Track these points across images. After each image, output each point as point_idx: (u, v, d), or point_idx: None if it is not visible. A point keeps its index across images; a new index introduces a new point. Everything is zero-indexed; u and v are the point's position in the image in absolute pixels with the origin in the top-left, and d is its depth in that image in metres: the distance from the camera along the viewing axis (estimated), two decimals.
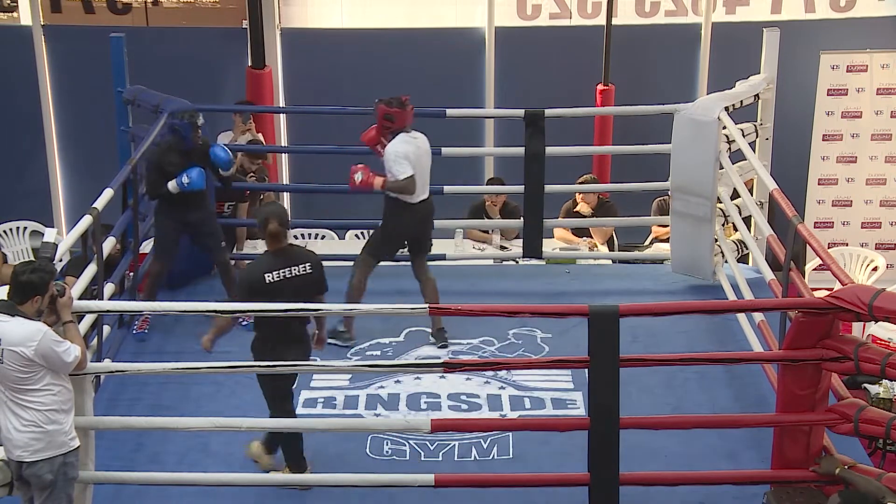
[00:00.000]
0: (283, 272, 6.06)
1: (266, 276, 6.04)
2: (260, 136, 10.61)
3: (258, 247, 9.34)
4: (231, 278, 7.73)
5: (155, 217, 7.88)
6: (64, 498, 5.38)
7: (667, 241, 9.25)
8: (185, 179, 7.50)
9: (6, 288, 5.70)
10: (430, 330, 7.64)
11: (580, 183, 9.59)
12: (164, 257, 7.77)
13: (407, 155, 7.23)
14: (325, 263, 8.89)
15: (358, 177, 7.30)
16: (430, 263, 8.76)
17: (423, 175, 7.36)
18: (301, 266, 6.12)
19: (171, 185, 7.54)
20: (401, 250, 7.66)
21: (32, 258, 9.80)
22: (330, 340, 6.93)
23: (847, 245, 10.54)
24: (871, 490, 5.27)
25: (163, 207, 7.72)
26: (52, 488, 5.32)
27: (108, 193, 7.07)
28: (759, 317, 7.26)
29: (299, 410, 6.88)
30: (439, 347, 7.54)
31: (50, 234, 6.34)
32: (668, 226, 9.35)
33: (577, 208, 9.64)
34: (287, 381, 6.21)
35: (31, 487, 5.37)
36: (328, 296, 6.35)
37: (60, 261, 5.95)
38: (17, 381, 5.21)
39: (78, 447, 5.42)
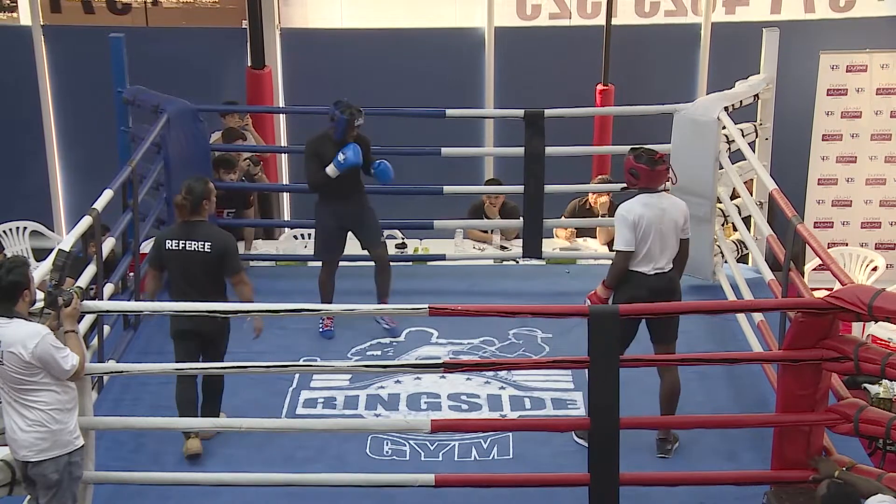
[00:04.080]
0: (183, 243, 6.36)
1: (166, 242, 6.44)
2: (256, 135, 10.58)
3: (258, 247, 9.37)
4: (386, 276, 7.61)
5: (315, 215, 7.73)
6: (69, 497, 5.38)
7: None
8: (340, 157, 7.39)
9: None
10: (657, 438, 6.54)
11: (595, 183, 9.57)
12: (327, 257, 7.65)
13: (636, 221, 6.29)
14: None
15: (587, 303, 6.39)
16: (430, 264, 8.80)
17: (661, 243, 6.35)
18: (200, 243, 6.33)
19: (329, 169, 7.43)
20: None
21: (33, 257, 9.82)
22: (662, 455, 6.46)
23: (847, 245, 10.54)
24: (867, 489, 5.26)
25: (321, 203, 7.62)
26: (57, 488, 5.32)
27: (108, 194, 7.07)
28: (758, 317, 7.27)
29: (298, 411, 6.90)
30: (659, 456, 6.46)
31: (66, 243, 6.31)
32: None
33: (593, 206, 9.59)
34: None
35: (37, 487, 5.37)
36: None
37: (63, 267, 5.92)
38: (20, 381, 5.22)
39: (83, 446, 5.42)
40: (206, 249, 6.33)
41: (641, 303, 6.16)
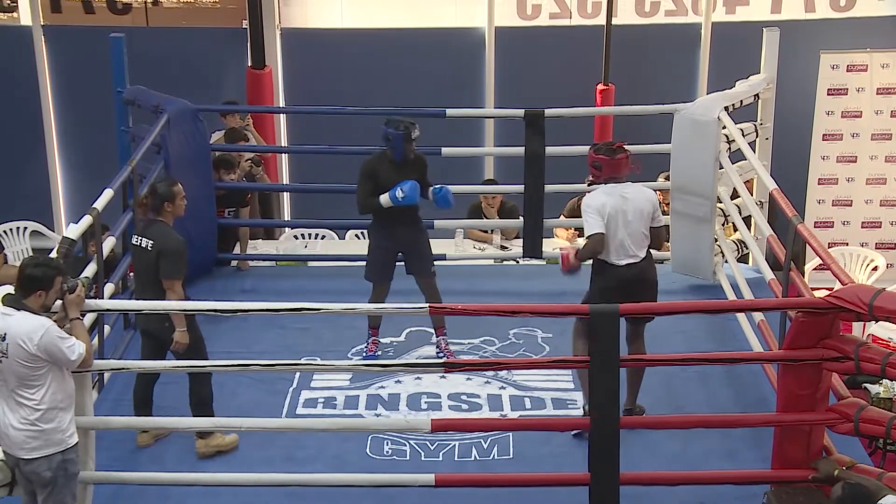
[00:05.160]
0: (139, 240, 6.43)
1: (133, 236, 6.59)
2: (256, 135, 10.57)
3: (258, 247, 9.37)
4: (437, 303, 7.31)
5: (369, 235, 7.52)
6: (67, 493, 5.38)
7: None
8: (399, 193, 7.11)
9: (6, 288, 5.72)
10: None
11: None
12: (378, 280, 7.39)
13: (601, 209, 6.39)
14: (323, 264, 9.05)
15: (560, 267, 6.63)
16: None
17: (628, 232, 6.44)
18: (147, 242, 6.37)
19: (384, 198, 7.14)
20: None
21: (33, 255, 9.82)
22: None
23: (847, 245, 10.54)
24: (868, 488, 5.26)
25: (374, 226, 7.40)
26: (53, 485, 5.32)
27: (108, 193, 7.07)
28: (759, 317, 7.27)
29: (299, 411, 6.89)
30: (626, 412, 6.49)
31: (72, 230, 6.34)
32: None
33: None
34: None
35: (33, 484, 5.38)
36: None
37: (67, 254, 5.94)
38: (22, 375, 5.22)
39: (77, 443, 5.42)
40: (148, 248, 6.35)
41: (611, 293, 6.25)
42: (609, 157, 6.49)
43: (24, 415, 5.26)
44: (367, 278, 7.47)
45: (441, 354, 7.41)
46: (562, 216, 9.44)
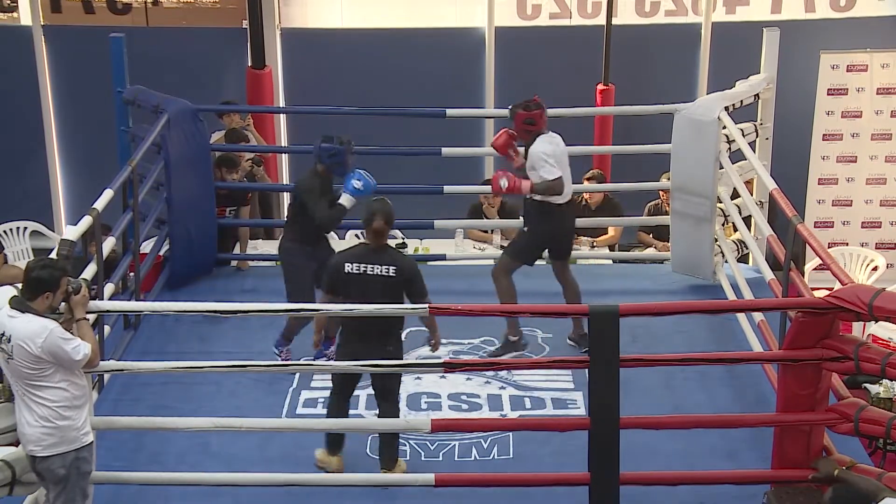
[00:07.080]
0: (364, 267, 6.14)
1: (346, 265, 6.17)
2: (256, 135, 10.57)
3: (258, 247, 9.36)
4: None
5: (289, 256, 7.35)
6: (78, 492, 5.39)
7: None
8: (356, 184, 7.10)
9: (6, 288, 5.72)
10: (570, 334, 7.52)
11: (587, 179, 9.56)
12: (304, 300, 7.14)
13: (553, 154, 7.16)
14: None
15: (503, 183, 7.16)
16: (430, 264, 8.82)
17: (568, 174, 7.28)
18: (384, 267, 6.12)
19: (345, 199, 7.15)
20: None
21: (33, 257, 9.82)
22: (505, 355, 7.14)
23: (847, 245, 10.54)
24: (867, 488, 5.26)
25: (298, 244, 7.29)
26: (65, 483, 5.34)
27: (108, 194, 7.06)
28: (759, 317, 7.27)
29: (299, 411, 6.89)
30: (582, 352, 6.80)
31: (70, 232, 6.32)
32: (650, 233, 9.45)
33: (588, 204, 9.60)
34: (344, 378, 6.29)
35: (46, 481, 5.38)
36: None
37: (68, 256, 5.93)
38: (28, 376, 5.23)
39: (92, 442, 5.43)
40: (390, 274, 6.12)
41: (558, 232, 7.33)
42: (541, 111, 7.18)
43: (38, 413, 5.28)
44: (294, 299, 7.24)
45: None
46: None
